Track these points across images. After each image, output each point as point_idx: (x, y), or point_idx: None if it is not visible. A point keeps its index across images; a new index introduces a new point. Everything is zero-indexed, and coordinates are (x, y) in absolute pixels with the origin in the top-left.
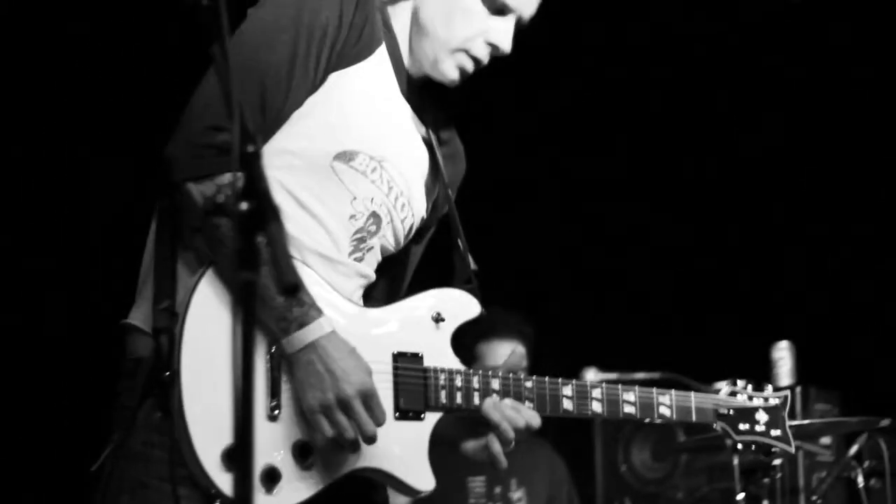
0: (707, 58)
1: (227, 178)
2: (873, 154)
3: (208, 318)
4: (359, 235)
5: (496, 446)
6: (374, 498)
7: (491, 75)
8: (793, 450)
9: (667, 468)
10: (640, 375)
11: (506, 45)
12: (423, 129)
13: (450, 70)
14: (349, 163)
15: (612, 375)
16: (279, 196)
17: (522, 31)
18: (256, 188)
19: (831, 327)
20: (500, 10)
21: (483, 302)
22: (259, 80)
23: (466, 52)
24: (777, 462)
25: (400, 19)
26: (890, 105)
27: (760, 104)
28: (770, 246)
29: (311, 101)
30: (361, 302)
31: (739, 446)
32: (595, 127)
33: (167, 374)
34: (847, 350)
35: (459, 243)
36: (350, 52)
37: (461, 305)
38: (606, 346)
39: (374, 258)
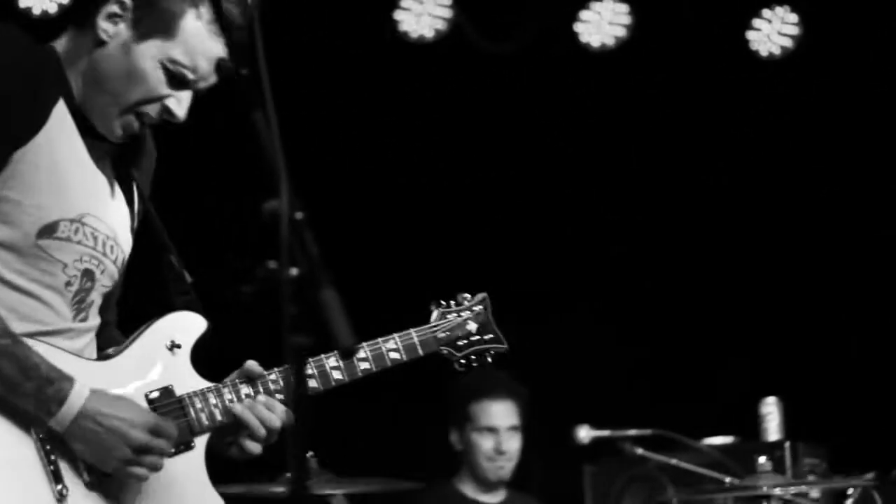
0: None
1: None
2: (865, 214)
3: None
4: (78, 298)
5: (251, 446)
6: None
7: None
8: (505, 346)
9: None
10: (632, 432)
11: (181, 114)
12: (104, 156)
13: (116, 128)
14: (52, 236)
15: (605, 432)
16: None
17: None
18: (307, 254)
19: (818, 383)
20: (180, 81)
21: (210, 312)
22: None
23: (137, 114)
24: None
25: (77, 66)
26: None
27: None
28: (758, 302)
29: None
30: (95, 354)
31: (460, 364)
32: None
33: None
34: (834, 405)
35: (171, 258)
36: (25, 126)
37: (188, 324)
38: (597, 404)
39: (95, 309)
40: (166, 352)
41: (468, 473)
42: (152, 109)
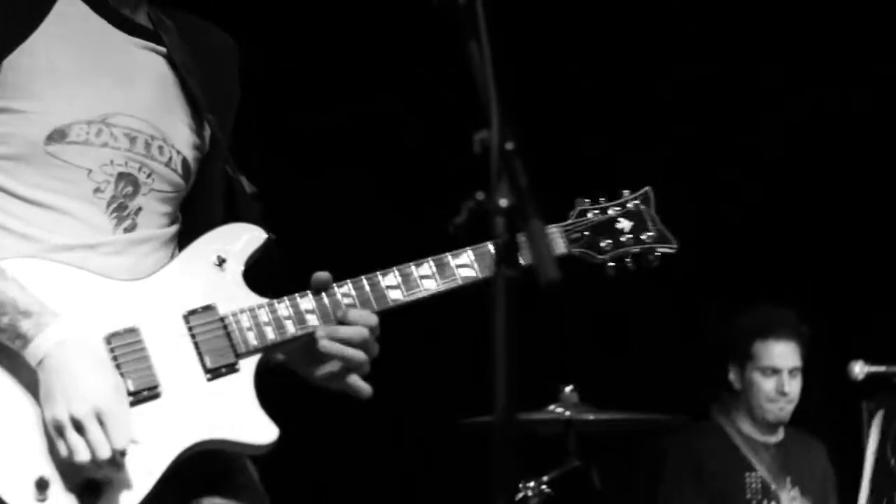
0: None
1: None
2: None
3: None
4: (115, 205)
5: (353, 381)
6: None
7: None
8: (673, 245)
9: None
10: None
11: None
12: (149, 43)
13: None
14: (64, 140)
15: (881, 368)
16: (1, 201)
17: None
18: (516, 185)
19: None
20: None
21: (276, 225)
22: None
23: None
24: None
25: None
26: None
27: None
28: None
29: None
30: (150, 271)
31: (611, 269)
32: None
33: None
34: None
35: (227, 167)
36: (13, 30)
37: (241, 238)
38: (875, 339)
39: (153, 215)
40: (214, 268)
41: (745, 412)
42: None
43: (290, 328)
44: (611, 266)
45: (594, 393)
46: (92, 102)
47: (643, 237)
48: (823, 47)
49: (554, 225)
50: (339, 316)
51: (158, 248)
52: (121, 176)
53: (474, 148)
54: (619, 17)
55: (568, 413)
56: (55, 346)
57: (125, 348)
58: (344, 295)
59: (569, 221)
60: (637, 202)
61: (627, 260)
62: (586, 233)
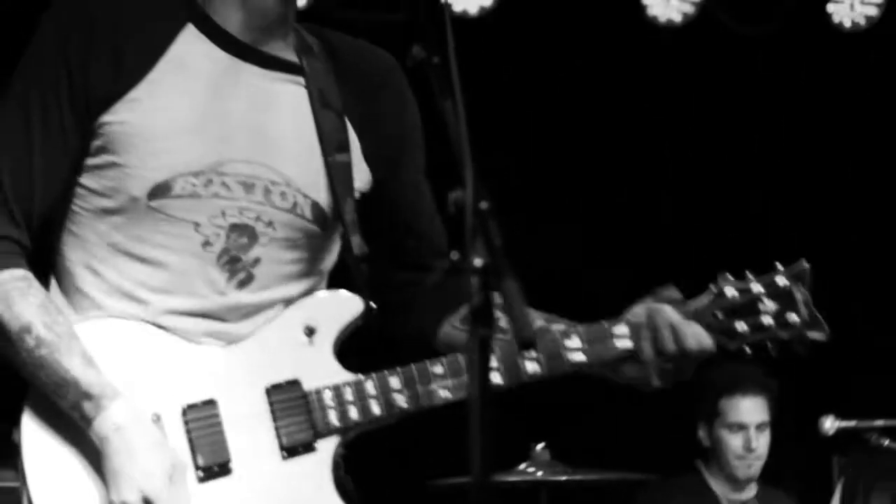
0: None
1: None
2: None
3: (46, 442)
4: (227, 257)
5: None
6: None
7: None
8: (824, 333)
9: None
10: (880, 423)
11: None
12: (288, 75)
13: None
14: (169, 195)
15: (851, 423)
16: (106, 257)
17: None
18: (491, 245)
19: None
20: None
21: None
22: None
23: None
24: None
25: None
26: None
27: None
28: None
29: (92, 161)
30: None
31: (747, 351)
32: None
33: None
34: None
35: (345, 218)
36: (119, 80)
37: (336, 308)
38: (844, 393)
39: (275, 264)
40: (303, 338)
41: (717, 469)
42: None
43: (375, 409)
44: (749, 353)
45: (565, 451)
46: (202, 153)
47: (790, 321)
48: None
49: (688, 303)
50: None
51: (278, 306)
52: (233, 227)
53: (448, 208)
54: None
55: (540, 473)
56: (113, 431)
57: (200, 421)
58: (436, 375)
59: (703, 302)
60: (788, 280)
61: (769, 345)
62: (720, 315)
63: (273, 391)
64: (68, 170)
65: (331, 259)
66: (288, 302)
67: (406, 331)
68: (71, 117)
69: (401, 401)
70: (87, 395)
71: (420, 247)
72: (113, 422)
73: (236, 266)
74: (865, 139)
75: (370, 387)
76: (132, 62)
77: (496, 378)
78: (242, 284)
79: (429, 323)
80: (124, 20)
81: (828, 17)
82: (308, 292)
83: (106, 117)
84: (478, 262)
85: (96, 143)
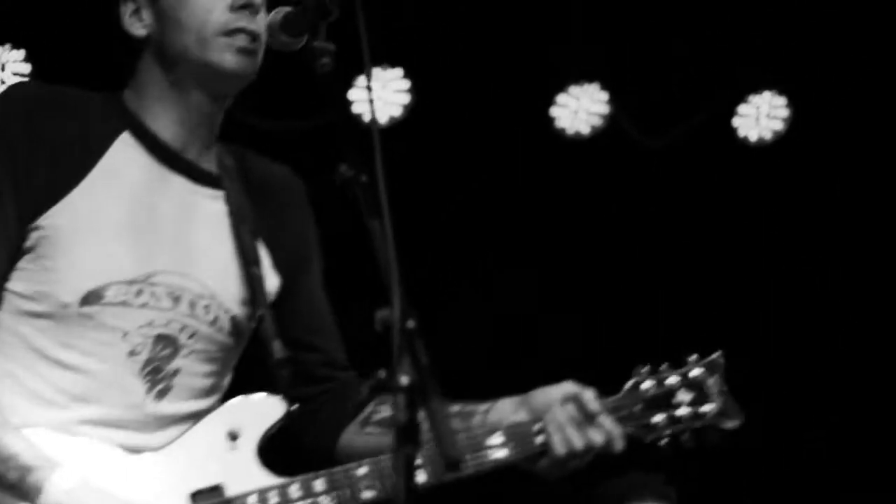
0: None
1: None
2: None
3: None
4: (150, 367)
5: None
6: None
7: None
8: (739, 421)
9: None
10: None
11: None
12: (212, 190)
13: (224, 59)
14: (100, 302)
15: None
16: (27, 361)
17: None
18: (417, 364)
19: None
20: None
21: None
22: None
23: (224, 32)
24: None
25: (153, 82)
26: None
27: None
28: None
29: (21, 264)
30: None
31: (662, 443)
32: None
33: None
34: None
35: (266, 317)
36: (53, 186)
37: (258, 410)
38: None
39: (192, 376)
40: (225, 443)
41: None
42: (231, 18)
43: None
44: (664, 444)
45: None
46: (135, 261)
47: (703, 411)
48: None
49: (607, 399)
50: None
51: (196, 416)
52: (159, 338)
53: (375, 326)
54: None
55: None
56: (65, 494)
57: None
58: (359, 478)
59: (618, 396)
60: (702, 370)
61: (684, 437)
62: (637, 409)
63: (197, 497)
64: (6, 263)
65: (230, 376)
66: (196, 417)
67: (305, 442)
68: (14, 213)
69: (325, 502)
70: (29, 469)
71: (314, 359)
72: (61, 488)
73: (157, 377)
74: (772, 250)
75: (294, 490)
76: (69, 167)
77: (421, 476)
78: (161, 395)
79: (328, 435)
80: (66, 125)
81: (733, 130)
82: (211, 410)
83: (40, 220)
84: (404, 380)
85: (27, 244)
